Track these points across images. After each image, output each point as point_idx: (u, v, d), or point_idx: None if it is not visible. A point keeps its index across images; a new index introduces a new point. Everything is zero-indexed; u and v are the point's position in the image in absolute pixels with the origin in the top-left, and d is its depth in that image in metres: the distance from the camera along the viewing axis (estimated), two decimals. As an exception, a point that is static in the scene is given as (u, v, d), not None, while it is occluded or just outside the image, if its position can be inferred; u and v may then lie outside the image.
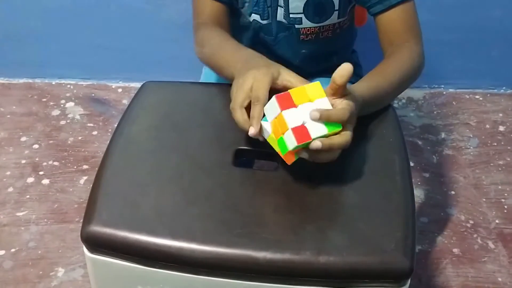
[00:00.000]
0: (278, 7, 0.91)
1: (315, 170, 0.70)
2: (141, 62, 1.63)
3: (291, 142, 0.63)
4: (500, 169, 1.43)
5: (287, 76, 0.71)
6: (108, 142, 0.76)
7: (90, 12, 1.55)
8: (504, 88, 1.66)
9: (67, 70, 1.67)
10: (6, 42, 1.62)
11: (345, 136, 0.65)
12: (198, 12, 0.91)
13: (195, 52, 0.90)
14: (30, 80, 1.69)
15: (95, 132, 1.52)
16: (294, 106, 0.64)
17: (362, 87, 0.75)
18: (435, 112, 1.60)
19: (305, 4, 0.89)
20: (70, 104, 1.61)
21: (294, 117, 0.64)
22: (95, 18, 1.56)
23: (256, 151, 0.73)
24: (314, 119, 0.63)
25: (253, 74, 0.69)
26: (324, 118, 0.63)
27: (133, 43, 1.60)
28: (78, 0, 1.53)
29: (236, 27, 0.97)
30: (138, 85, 1.65)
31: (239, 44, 0.84)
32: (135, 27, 1.57)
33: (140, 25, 1.56)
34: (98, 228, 0.65)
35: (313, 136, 0.63)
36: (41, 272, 1.18)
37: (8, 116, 1.58)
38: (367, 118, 0.76)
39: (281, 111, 0.64)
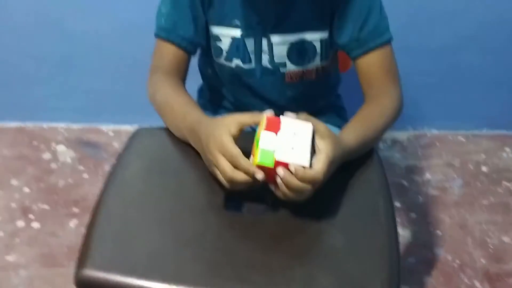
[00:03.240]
0: (262, 53, 0.94)
1: (303, 212, 0.72)
2: (132, 105, 1.64)
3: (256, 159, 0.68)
4: (484, 208, 1.46)
5: (241, 120, 0.73)
6: (101, 185, 0.78)
7: (80, 56, 1.58)
8: (485, 129, 1.71)
9: (59, 113, 1.70)
10: (-2, 85, 1.65)
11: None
12: (159, 55, 0.93)
13: (147, 94, 0.91)
14: (21, 123, 1.71)
15: (85, 175, 1.54)
16: (276, 131, 0.69)
17: (349, 136, 0.78)
18: (419, 153, 1.64)
19: (288, 49, 0.93)
20: (61, 147, 1.63)
21: (269, 141, 0.68)
22: (86, 62, 1.59)
23: (245, 194, 0.75)
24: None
25: (212, 144, 0.71)
26: (300, 177, 0.67)
27: (123, 86, 1.63)
28: (69, 44, 1.56)
29: (218, 69, 1.00)
30: (129, 127, 1.69)
31: (189, 100, 0.86)
32: (125, 70, 1.60)
33: (130, 69, 1.59)
34: (91, 272, 0.66)
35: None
36: (29, 318, 1.17)
37: (-1, 159, 1.59)
38: (352, 162, 0.79)
39: (261, 131, 0.69)
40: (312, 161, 0.69)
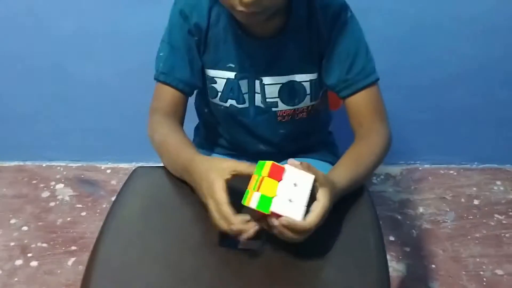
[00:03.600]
0: (255, 94, 0.98)
1: (296, 248, 0.74)
2: (129, 144, 1.69)
3: (252, 202, 0.69)
4: (477, 241, 1.48)
5: (237, 168, 0.74)
6: (99, 223, 0.80)
7: (78, 97, 1.63)
8: (476, 163, 1.75)
9: (57, 153, 1.73)
10: (-2, 125, 1.69)
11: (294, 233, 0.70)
12: (158, 97, 0.96)
13: (148, 134, 0.94)
14: (21, 163, 1.74)
15: (83, 213, 1.56)
16: (279, 179, 0.70)
17: (340, 175, 0.81)
18: (412, 187, 1.67)
19: (279, 89, 0.97)
20: (59, 186, 1.66)
21: (270, 188, 0.70)
22: (83, 102, 1.64)
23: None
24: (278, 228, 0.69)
25: (204, 187, 0.74)
26: (291, 229, 0.69)
27: (121, 125, 1.67)
28: (68, 84, 1.60)
29: (213, 109, 1.04)
30: (126, 165, 1.72)
31: (184, 140, 0.89)
32: (123, 110, 1.65)
33: (127, 109, 1.63)
34: (90, 310, 0.68)
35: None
36: None
37: (-2, 198, 1.61)
38: (343, 198, 0.82)
39: (265, 177, 0.70)
40: (310, 209, 0.71)
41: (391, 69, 1.51)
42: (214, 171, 0.74)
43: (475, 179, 1.70)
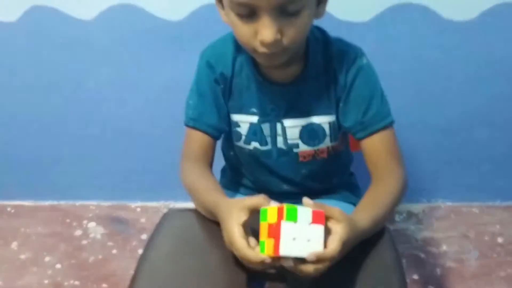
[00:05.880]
0: (277, 136, 1.04)
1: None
2: (158, 183, 1.75)
3: (268, 249, 0.72)
4: (502, 280, 1.48)
5: (249, 205, 0.78)
6: (129, 260, 0.86)
7: (110, 140, 1.71)
8: (499, 200, 1.75)
9: (90, 192, 1.80)
10: (34, 167, 1.77)
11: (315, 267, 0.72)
12: (189, 142, 1.03)
13: (179, 178, 1.00)
14: (56, 202, 1.81)
15: (114, 251, 1.61)
16: (294, 221, 0.72)
17: (362, 217, 0.83)
18: (434, 225, 1.68)
19: (300, 131, 1.02)
20: (92, 224, 1.72)
21: (288, 230, 0.71)
22: (115, 145, 1.72)
23: (267, 274, 0.81)
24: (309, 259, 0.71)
25: (225, 236, 0.78)
26: (315, 260, 0.71)
27: (150, 166, 1.74)
28: (100, 128, 1.69)
29: (238, 151, 1.10)
30: (155, 204, 1.77)
31: (210, 184, 0.94)
32: (151, 152, 1.72)
33: (156, 150, 1.70)
34: None
35: (281, 253, 0.71)
36: None
37: (34, 237, 1.67)
38: (365, 239, 0.85)
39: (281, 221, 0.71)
40: (327, 242, 0.73)
41: (414, 109, 1.56)
42: (230, 219, 0.77)
43: (499, 216, 1.70)
